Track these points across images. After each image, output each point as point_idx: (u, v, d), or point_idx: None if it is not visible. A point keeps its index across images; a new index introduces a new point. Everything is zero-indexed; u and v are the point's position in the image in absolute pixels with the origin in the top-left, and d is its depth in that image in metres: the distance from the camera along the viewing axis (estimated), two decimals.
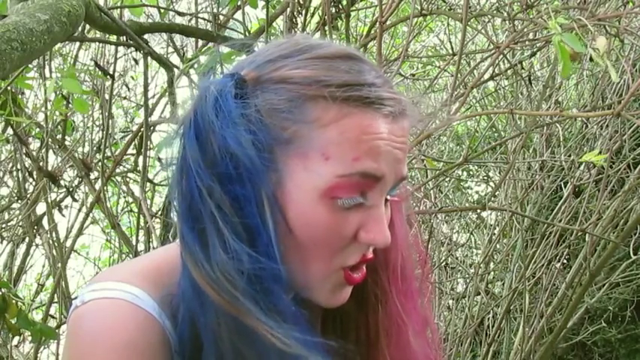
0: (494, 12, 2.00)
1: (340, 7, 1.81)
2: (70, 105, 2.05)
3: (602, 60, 1.06)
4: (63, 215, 2.45)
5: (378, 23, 1.47)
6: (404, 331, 0.78)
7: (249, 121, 0.64)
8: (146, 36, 1.90)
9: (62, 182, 2.42)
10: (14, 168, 2.58)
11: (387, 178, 0.66)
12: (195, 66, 1.98)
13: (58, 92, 1.97)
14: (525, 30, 1.53)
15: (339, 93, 0.64)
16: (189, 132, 0.65)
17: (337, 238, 0.66)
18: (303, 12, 1.87)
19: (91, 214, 2.46)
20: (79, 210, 2.50)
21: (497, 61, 1.90)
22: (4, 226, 2.70)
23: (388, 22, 1.58)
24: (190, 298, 0.65)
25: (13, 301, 1.65)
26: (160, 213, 2.46)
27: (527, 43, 2.06)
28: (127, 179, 2.71)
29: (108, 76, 2.05)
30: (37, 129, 2.40)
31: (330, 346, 0.65)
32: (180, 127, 0.66)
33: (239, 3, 1.94)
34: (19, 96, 2.15)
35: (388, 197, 0.69)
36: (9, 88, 1.85)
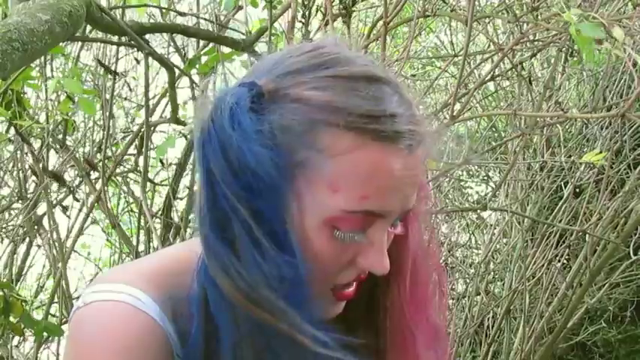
0: (498, 14, 1.99)
1: (343, 6, 1.81)
2: (74, 105, 2.05)
3: (620, 52, 1.06)
4: (68, 216, 2.45)
5: (382, 24, 1.47)
6: (412, 343, 0.77)
7: (264, 137, 0.62)
8: (147, 36, 1.89)
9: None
10: (15, 168, 2.58)
11: (392, 214, 0.66)
12: (197, 66, 1.98)
13: (60, 92, 1.97)
14: (530, 32, 1.53)
15: (355, 124, 0.62)
16: (211, 142, 0.63)
17: (334, 264, 0.66)
18: (307, 13, 1.87)
19: (91, 214, 2.46)
20: (80, 210, 2.50)
21: (499, 63, 1.90)
22: (4, 226, 2.69)
23: (391, 24, 1.58)
24: (213, 310, 0.65)
25: (17, 301, 1.65)
26: (160, 213, 2.47)
27: (528, 44, 2.06)
28: (128, 179, 2.71)
29: (111, 74, 2.04)
30: (38, 129, 2.40)
31: (367, 348, 0.66)
32: (199, 135, 0.65)
33: (240, 3, 1.93)
34: (22, 95, 2.14)
35: (390, 229, 0.68)
36: (15, 88, 1.85)
